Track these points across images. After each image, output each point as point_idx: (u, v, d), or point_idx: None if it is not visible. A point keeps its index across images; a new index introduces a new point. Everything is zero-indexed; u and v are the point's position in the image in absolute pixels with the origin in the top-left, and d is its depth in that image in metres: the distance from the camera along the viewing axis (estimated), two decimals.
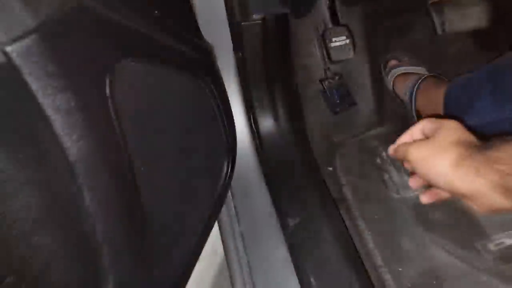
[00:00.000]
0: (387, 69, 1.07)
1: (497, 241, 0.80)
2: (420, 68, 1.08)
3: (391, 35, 1.14)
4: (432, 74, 0.97)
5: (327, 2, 0.88)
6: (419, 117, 0.99)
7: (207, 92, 0.62)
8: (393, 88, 1.06)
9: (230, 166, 0.75)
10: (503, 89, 0.66)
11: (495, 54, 1.12)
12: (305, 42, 1.01)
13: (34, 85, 0.28)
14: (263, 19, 0.70)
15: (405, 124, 1.01)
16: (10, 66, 0.28)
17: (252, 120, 0.84)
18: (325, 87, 1.02)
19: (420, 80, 0.94)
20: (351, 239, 0.78)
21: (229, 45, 0.77)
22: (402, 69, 1.02)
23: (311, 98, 1.04)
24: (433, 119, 0.53)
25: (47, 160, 0.31)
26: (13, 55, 0.27)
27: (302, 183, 0.79)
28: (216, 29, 0.74)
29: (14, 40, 0.27)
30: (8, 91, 0.29)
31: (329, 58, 0.88)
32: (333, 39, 0.85)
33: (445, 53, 1.14)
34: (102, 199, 0.34)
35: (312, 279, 0.65)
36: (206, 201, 0.71)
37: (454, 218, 0.86)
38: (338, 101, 1.03)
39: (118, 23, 0.39)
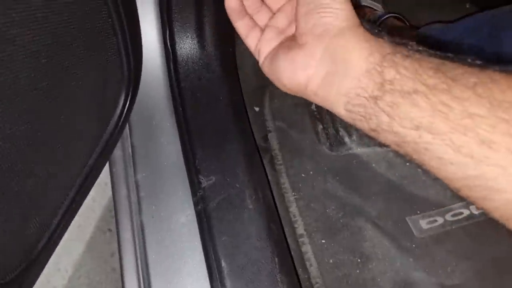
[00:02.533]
0: None
1: (429, 219, 0.73)
2: (376, 4, 0.92)
3: None
4: (394, 14, 0.82)
5: None
6: None
7: None
8: None
9: (129, 97, 0.55)
10: None
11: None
12: None
13: None
14: None
15: None
16: None
17: (168, 37, 0.63)
18: None
19: (379, 20, 0.78)
20: (275, 205, 0.65)
21: None
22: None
23: None
24: None
25: None
26: None
27: (224, 129, 0.63)
28: None
29: None
30: None
31: None
32: None
33: None
34: None
35: (222, 262, 0.51)
36: (92, 141, 0.51)
37: (389, 187, 0.77)
38: None
39: None
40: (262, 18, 0.43)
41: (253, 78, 0.88)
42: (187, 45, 0.64)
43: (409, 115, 0.28)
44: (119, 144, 0.66)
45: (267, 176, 0.65)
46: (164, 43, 0.64)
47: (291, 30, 0.40)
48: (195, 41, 0.65)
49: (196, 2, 0.62)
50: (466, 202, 0.76)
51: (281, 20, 0.41)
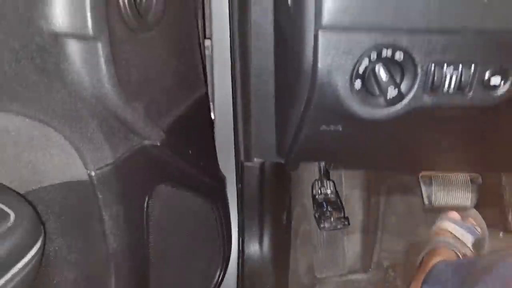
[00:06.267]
0: None
1: None
2: None
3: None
4: None
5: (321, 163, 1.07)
6: None
7: (215, 213, 0.82)
8: None
9: (222, 274, 0.90)
10: None
11: None
12: (307, 184, 1.20)
13: (101, 199, 0.46)
14: (262, 163, 0.90)
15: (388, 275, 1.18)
16: (89, 184, 0.46)
17: (240, 245, 1.00)
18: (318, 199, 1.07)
19: None
20: None
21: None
22: None
23: (303, 233, 1.20)
24: None
25: (90, 248, 0.48)
26: (94, 178, 0.46)
27: None
28: (227, 163, 0.95)
29: (98, 169, 0.46)
30: (82, 198, 0.47)
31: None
32: (319, 191, 1.03)
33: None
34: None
35: None
36: None
37: None
38: (328, 215, 1.02)
39: (162, 159, 0.59)
40: None
41: (306, 278, 1.18)
42: (251, 249, 1.00)
43: None
44: None
45: None
46: (238, 248, 1.01)
47: None
48: (257, 247, 1.00)
49: (259, 221, 1.00)
50: None
51: None
